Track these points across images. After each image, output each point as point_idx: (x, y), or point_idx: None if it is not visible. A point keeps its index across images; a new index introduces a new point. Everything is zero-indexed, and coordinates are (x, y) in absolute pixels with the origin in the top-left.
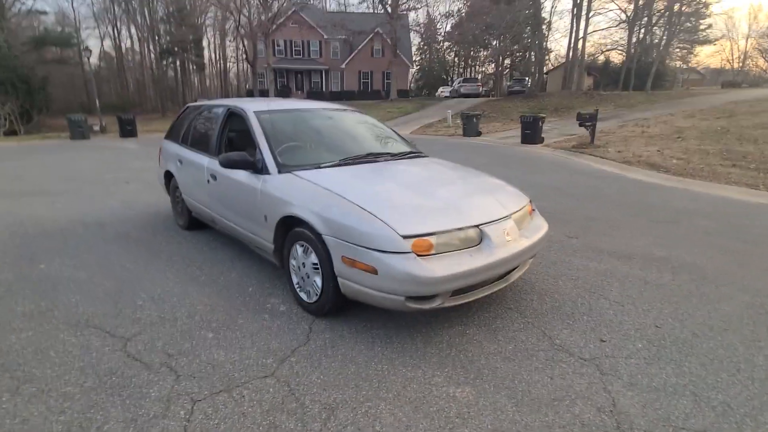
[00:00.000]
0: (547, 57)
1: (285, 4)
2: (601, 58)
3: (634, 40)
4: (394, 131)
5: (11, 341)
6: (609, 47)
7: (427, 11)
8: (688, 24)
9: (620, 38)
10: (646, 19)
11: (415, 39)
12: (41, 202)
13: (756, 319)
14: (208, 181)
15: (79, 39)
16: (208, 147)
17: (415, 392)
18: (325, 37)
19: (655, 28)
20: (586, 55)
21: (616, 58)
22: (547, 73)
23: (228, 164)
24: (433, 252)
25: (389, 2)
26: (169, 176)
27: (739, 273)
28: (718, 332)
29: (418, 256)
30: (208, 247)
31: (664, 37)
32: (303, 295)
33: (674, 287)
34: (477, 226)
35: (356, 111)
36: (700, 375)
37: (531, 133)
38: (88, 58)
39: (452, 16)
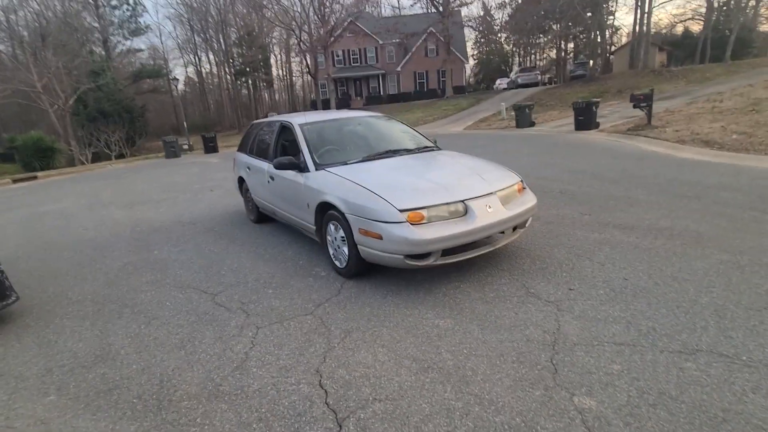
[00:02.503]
0: (613, 35)
1: (341, 16)
2: (680, 29)
3: (715, 4)
4: (416, 131)
5: (142, 298)
6: (687, 17)
7: (483, 3)
8: None
9: (699, 5)
10: None
11: (471, 34)
12: (149, 208)
13: (721, 272)
14: (268, 181)
15: (167, 69)
16: (268, 154)
17: (410, 323)
18: (380, 42)
19: None
20: (661, 28)
21: (695, 28)
22: (612, 53)
23: (280, 166)
24: (424, 221)
25: (440, 1)
26: (241, 181)
27: (733, 237)
28: (680, 282)
29: (412, 224)
30: (271, 235)
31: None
32: (337, 263)
33: (661, 250)
34: (463, 201)
35: (385, 117)
36: (641, 310)
37: (584, 120)
38: (176, 87)
39: (507, 5)
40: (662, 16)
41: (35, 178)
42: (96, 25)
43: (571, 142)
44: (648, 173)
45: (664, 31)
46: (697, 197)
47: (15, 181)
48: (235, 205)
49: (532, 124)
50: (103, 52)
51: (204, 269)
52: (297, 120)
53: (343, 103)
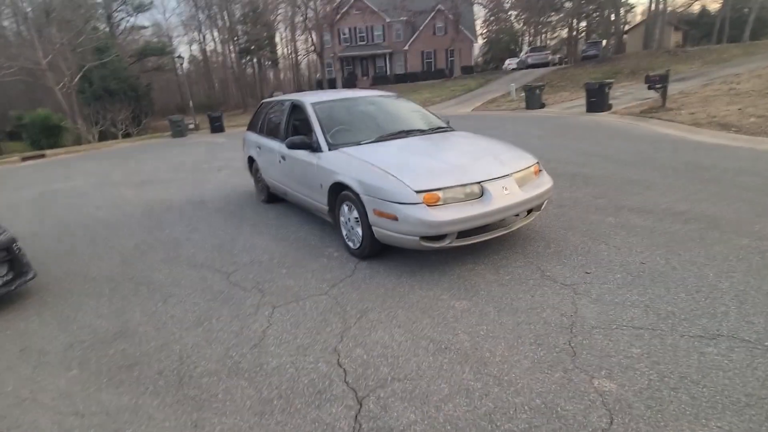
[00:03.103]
0: (627, 14)
1: None
2: (697, 7)
3: None
4: (428, 111)
5: (157, 276)
6: None
7: None
8: None
9: None
10: None
11: (480, 12)
12: (158, 188)
13: (742, 257)
14: (280, 161)
15: (171, 47)
16: (279, 134)
17: (425, 304)
18: (387, 20)
19: None
20: (677, 7)
21: (714, 6)
22: (626, 33)
23: (292, 146)
24: (440, 203)
25: None
26: (251, 161)
27: (753, 222)
28: (699, 267)
29: (428, 206)
30: (282, 215)
31: None
32: (350, 244)
33: (678, 234)
34: (479, 182)
35: (398, 97)
36: (660, 295)
37: (597, 101)
38: (182, 65)
39: None
40: None
41: (43, 156)
42: (99, 0)
43: (583, 123)
44: (663, 156)
45: (679, 9)
46: (714, 181)
47: (23, 159)
48: (244, 185)
49: (543, 106)
50: (107, 29)
51: (217, 248)
52: (309, 99)
53: (349, 83)
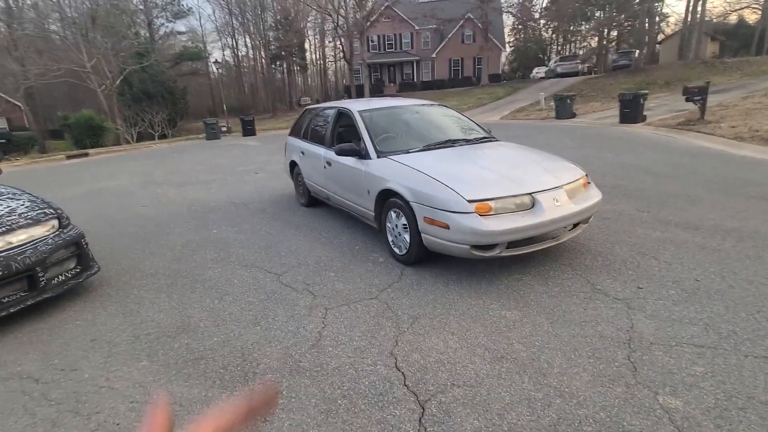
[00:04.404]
0: (661, 23)
1: (378, 1)
2: (734, 18)
3: None
4: (471, 120)
5: (210, 274)
6: (743, 5)
7: None
8: None
9: None
10: None
11: (509, 20)
12: (199, 189)
13: None
14: (325, 167)
15: (206, 53)
16: (324, 140)
17: (476, 312)
18: (416, 28)
19: None
20: (712, 17)
21: (753, 17)
22: (660, 43)
23: (341, 153)
24: (492, 213)
25: None
26: (293, 165)
27: None
28: (757, 286)
29: (480, 215)
30: (324, 219)
31: None
32: (396, 250)
33: (731, 252)
34: (530, 193)
35: (440, 105)
36: (719, 313)
37: (630, 112)
38: (219, 69)
39: None
40: (716, 3)
41: (87, 155)
42: (141, 7)
43: (617, 135)
44: (706, 170)
45: (715, 20)
46: (763, 198)
47: (68, 157)
48: (282, 188)
49: (574, 116)
50: (148, 34)
51: (264, 250)
52: (355, 107)
53: (377, 90)
